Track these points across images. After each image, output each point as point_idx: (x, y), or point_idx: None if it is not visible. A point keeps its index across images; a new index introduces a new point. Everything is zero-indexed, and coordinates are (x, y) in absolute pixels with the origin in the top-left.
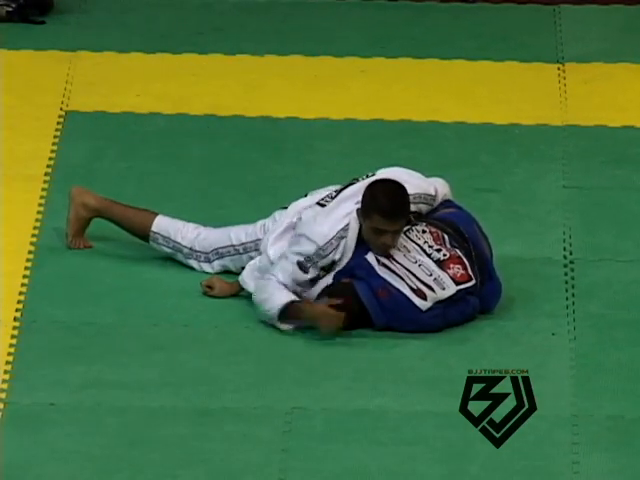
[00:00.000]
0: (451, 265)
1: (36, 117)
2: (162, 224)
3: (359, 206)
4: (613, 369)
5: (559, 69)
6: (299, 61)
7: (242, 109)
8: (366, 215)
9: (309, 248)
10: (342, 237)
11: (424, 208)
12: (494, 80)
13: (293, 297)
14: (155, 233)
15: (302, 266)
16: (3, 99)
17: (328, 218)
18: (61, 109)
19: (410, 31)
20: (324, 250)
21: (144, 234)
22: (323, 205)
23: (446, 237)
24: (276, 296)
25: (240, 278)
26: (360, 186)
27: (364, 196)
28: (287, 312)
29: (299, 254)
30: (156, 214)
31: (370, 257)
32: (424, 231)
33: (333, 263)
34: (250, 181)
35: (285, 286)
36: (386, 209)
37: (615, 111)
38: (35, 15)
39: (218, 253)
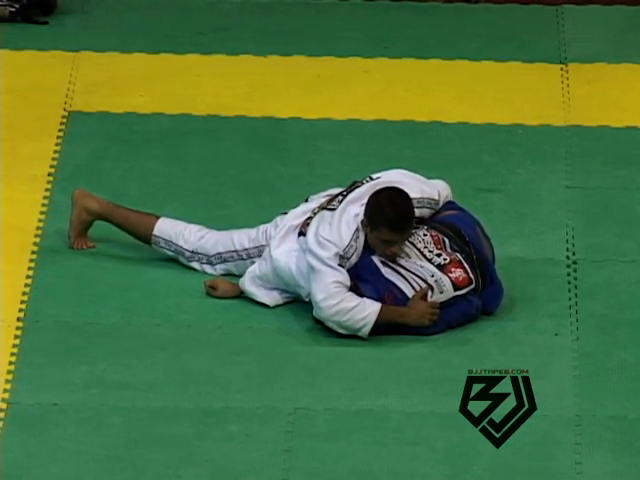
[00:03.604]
0: (452, 269)
1: (39, 117)
2: (164, 227)
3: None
4: (616, 369)
5: (562, 69)
6: (302, 61)
7: (245, 109)
8: (373, 227)
9: (334, 250)
10: (358, 237)
11: (427, 212)
12: (497, 80)
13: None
14: (157, 237)
15: (336, 264)
16: (6, 99)
17: (341, 223)
18: (64, 109)
19: (413, 31)
20: (346, 253)
21: (146, 237)
22: (331, 209)
23: (447, 241)
24: (366, 304)
25: (240, 282)
26: (366, 188)
27: (370, 208)
28: (378, 317)
29: (328, 258)
30: (158, 217)
31: (375, 258)
32: (425, 235)
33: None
34: (253, 181)
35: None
36: (395, 222)
37: (618, 111)
38: (38, 15)
39: (221, 257)
